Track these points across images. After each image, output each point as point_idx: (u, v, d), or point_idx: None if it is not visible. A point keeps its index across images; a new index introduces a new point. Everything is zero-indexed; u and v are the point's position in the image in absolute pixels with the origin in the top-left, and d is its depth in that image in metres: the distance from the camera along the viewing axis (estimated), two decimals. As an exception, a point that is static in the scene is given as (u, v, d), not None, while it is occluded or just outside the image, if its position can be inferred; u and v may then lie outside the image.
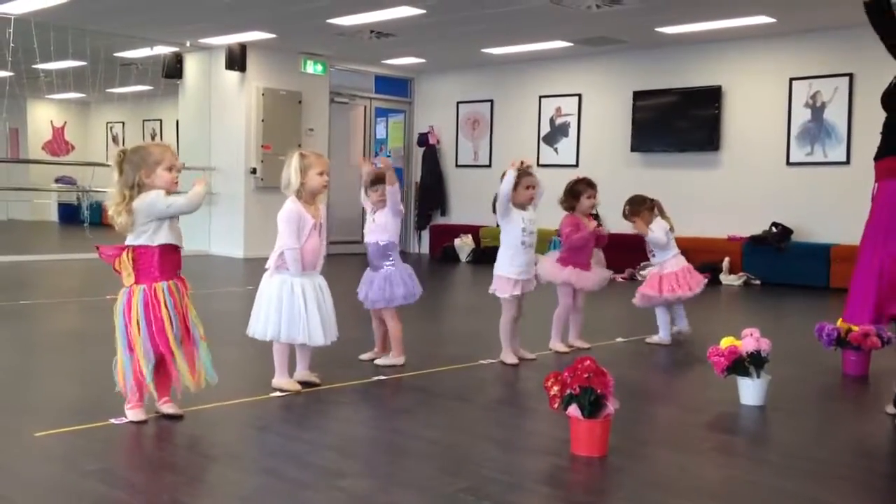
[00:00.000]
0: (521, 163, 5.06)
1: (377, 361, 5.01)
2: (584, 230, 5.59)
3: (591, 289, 5.75)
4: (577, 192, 5.62)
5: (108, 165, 13.65)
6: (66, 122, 19.35)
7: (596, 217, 6.24)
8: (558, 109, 12.48)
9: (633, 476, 3.17)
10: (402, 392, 4.50)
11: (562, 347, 5.62)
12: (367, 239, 4.98)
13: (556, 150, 12.50)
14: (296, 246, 4.23)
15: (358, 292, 5.06)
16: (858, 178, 9.33)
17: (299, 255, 4.24)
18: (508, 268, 5.13)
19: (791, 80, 10.24)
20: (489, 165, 13.32)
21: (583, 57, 12.04)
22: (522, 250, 5.11)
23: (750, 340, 4.22)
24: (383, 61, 13.19)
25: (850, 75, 9.71)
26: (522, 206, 5.14)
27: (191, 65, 12.86)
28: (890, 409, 4.06)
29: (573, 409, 3.35)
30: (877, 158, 4.23)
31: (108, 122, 19.78)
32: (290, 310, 4.23)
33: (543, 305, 5.97)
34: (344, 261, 12.31)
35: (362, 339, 5.21)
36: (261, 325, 4.27)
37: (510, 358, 5.14)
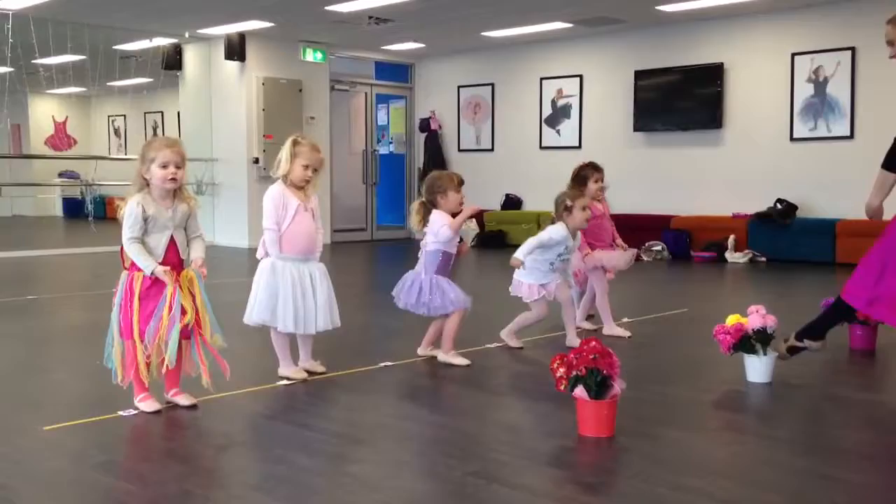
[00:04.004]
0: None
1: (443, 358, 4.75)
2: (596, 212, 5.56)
3: (622, 268, 5.70)
4: (584, 177, 5.58)
5: (110, 159, 13.63)
6: (67, 117, 19.35)
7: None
8: (560, 91, 12.43)
9: (641, 456, 3.17)
10: (407, 378, 4.50)
11: (620, 332, 5.49)
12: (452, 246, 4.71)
13: (558, 132, 12.46)
14: (272, 227, 4.24)
15: (426, 301, 4.63)
16: (862, 153, 9.30)
17: (276, 236, 4.24)
18: (528, 277, 5.02)
19: (793, 55, 10.17)
20: (492, 149, 13.29)
21: (583, 37, 11.98)
22: (549, 270, 5.01)
23: (756, 317, 4.21)
24: (383, 47, 13.15)
25: (853, 49, 9.63)
26: (573, 231, 5.01)
27: (190, 56, 12.84)
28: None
29: (580, 391, 3.35)
30: None
31: (109, 116, 19.77)
32: (266, 291, 4.23)
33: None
34: (348, 249, 12.34)
35: (367, 326, 5.21)
36: (248, 310, 4.29)
37: (515, 342, 5.14)
